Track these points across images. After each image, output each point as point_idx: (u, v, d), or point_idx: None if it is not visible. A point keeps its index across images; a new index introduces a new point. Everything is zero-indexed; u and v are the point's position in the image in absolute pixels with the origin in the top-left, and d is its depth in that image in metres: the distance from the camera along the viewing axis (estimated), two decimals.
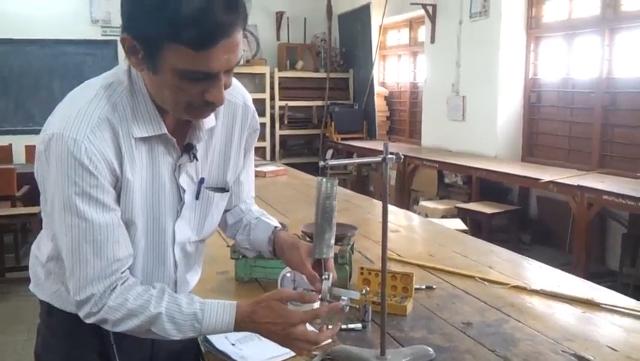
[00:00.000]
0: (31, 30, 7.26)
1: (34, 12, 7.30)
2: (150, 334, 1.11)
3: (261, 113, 7.92)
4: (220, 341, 1.28)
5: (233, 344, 1.27)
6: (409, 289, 1.58)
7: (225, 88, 1.07)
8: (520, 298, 1.66)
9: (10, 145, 6.61)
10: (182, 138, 1.18)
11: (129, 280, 1.11)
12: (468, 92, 5.92)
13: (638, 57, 4.40)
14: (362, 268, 1.64)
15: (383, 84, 8.05)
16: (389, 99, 7.94)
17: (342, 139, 7.73)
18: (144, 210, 1.16)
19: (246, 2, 1.03)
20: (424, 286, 1.72)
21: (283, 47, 8.25)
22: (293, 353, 1.26)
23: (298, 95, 8.13)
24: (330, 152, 8.03)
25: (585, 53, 4.90)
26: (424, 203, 5.49)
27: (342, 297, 1.20)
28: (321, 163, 1.13)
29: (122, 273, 1.11)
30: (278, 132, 8.08)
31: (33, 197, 5.02)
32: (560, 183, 4.15)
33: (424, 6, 6.28)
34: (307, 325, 1.16)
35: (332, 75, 8.20)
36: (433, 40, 6.39)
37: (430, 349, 1.29)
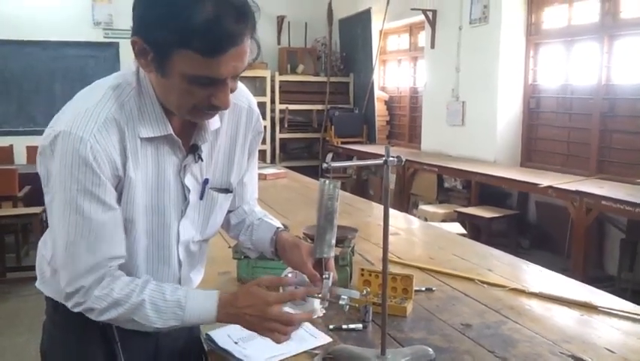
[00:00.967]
0: (33, 32, 7.29)
1: (36, 14, 7.33)
2: (133, 323, 1.13)
3: (262, 117, 7.93)
4: (223, 340, 1.29)
5: (236, 343, 1.29)
6: (409, 291, 1.60)
7: (231, 92, 1.10)
8: (519, 301, 1.68)
9: (12, 146, 6.63)
10: (187, 139, 1.20)
11: (116, 273, 1.14)
12: (467, 98, 5.95)
13: (637, 64, 4.43)
14: (362, 270, 1.66)
15: (383, 89, 8.09)
16: (389, 104, 7.98)
17: (342, 143, 7.76)
18: (148, 210, 1.18)
19: (255, 12, 1.05)
20: (423, 288, 1.74)
21: (284, 50, 8.28)
22: (295, 352, 1.28)
23: (298, 98, 8.17)
24: (330, 155, 8.05)
25: (584, 59, 4.93)
26: (423, 207, 5.51)
27: (342, 296, 1.22)
28: (324, 165, 1.16)
29: (110, 267, 1.13)
30: (278, 136, 8.11)
31: (34, 197, 5.06)
32: (558, 189, 4.17)
33: (424, 11, 6.31)
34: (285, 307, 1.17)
35: (332, 79, 8.23)
36: (433, 46, 6.42)
37: (430, 349, 1.31)
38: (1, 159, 6.26)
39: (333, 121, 7.92)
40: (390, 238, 2.45)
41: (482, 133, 5.71)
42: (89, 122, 1.07)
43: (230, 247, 2.12)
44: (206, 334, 1.33)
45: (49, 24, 7.36)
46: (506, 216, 4.93)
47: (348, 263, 1.69)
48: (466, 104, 5.97)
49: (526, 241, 5.18)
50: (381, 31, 7.53)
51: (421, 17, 6.47)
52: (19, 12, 7.28)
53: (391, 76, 8.05)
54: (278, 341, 1.15)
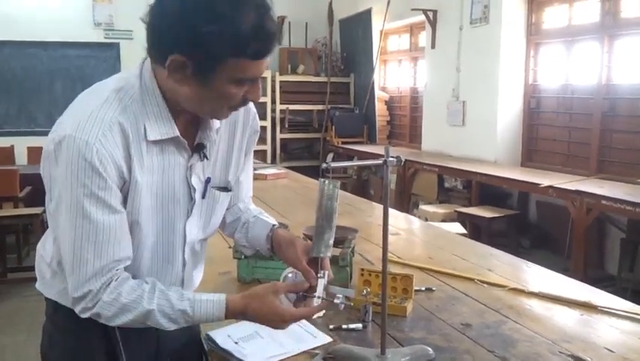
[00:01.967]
0: (33, 32, 7.30)
1: (37, 14, 7.34)
2: (144, 325, 1.15)
3: (262, 117, 7.96)
4: (223, 340, 1.30)
5: (236, 343, 1.29)
6: (408, 291, 1.60)
7: None
8: (518, 301, 1.68)
9: (13, 147, 6.63)
10: (191, 139, 1.21)
11: (123, 275, 1.14)
12: (468, 98, 5.96)
13: (637, 64, 4.43)
14: (362, 270, 1.66)
15: (384, 89, 8.09)
16: (389, 104, 7.98)
17: (343, 143, 7.76)
18: (155, 211, 1.19)
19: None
20: (423, 288, 1.74)
21: (284, 51, 8.28)
22: (295, 352, 1.28)
23: (299, 99, 8.18)
24: (330, 155, 8.05)
25: (584, 59, 4.93)
26: (423, 207, 5.51)
27: (338, 295, 1.22)
28: (324, 165, 1.16)
29: (117, 270, 1.13)
30: (279, 136, 8.11)
31: (35, 198, 5.07)
32: (559, 188, 4.17)
33: (425, 12, 6.31)
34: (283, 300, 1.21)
35: (333, 79, 8.24)
36: (433, 46, 6.43)
37: (430, 349, 1.31)
38: (2, 160, 6.26)
39: (334, 121, 7.92)
40: (391, 238, 2.45)
41: (483, 133, 5.71)
42: (93, 126, 1.07)
43: (230, 247, 2.12)
44: (207, 334, 1.33)
45: (49, 25, 7.37)
46: (507, 216, 4.93)
47: (348, 264, 1.70)
48: (466, 104, 5.97)
49: (527, 241, 5.18)
50: (381, 32, 7.54)
51: (422, 17, 6.47)
52: (19, 13, 7.29)
53: (392, 76, 8.06)
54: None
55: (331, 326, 1.44)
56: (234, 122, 1.31)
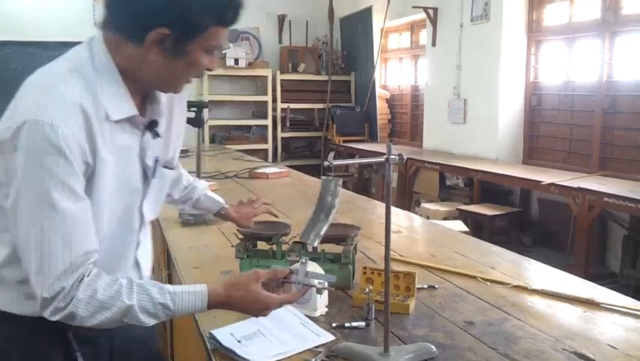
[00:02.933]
0: (33, 32, 7.29)
1: (36, 14, 7.34)
2: (120, 324, 1.11)
3: (263, 116, 7.96)
4: (226, 338, 1.30)
5: (239, 341, 1.29)
6: (411, 289, 1.60)
7: None
8: (521, 298, 1.68)
9: None
10: (143, 118, 1.22)
11: (93, 270, 1.09)
12: (469, 95, 5.95)
13: (638, 60, 4.42)
14: (365, 268, 1.66)
15: (384, 87, 8.09)
16: (390, 102, 7.98)
17: (344, 141, 7.76)
18: (116, 194, 1.16)
19: None
20: (426, 286, 1.74)
21: (285, 49, 8.28)
22: (299, 350, 1.28)
23: (300, 97, 8.17)
24: (331, 154, 8.00)
25: (586, 56, 4.93)
26: (425, 205, 5.51)
27: (319, 281, 1.24)
28: (326, 163, 1.16)
29: (88, 264, 1.08)
30: (280, 135, 8.10)
31: None
32: (561, 186, 4.17)
33: (426, 9, 6.31)
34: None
35: (333, 78, 8.23)
36: (434, 44, 6.42)
37: (433, 346, 1.31)
38: None
39: (335, 120, 7.92)
40: (392, 236, 2.44)
41: (484, 131, 5.71)
42: (55, 108, 1.03)
43: (232, 245, 2.13)
44: (209, 332, 1.33)
45: (49, 24, 7.36)
46: (508, 214, 4.93)
47: (350, 261, 1.70)
48: (467, 102, 5.97)
49: (529, 239, 5.18)
50: (382, 30, 7.53)
51: (422, 15, 6.46)
52: (19, 12, 7.29)
53: (393, 74, 8.05)
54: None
55: (334, 324, 1.44)
56: (171, 102, 1.32)
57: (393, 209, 3.24)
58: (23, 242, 1.06)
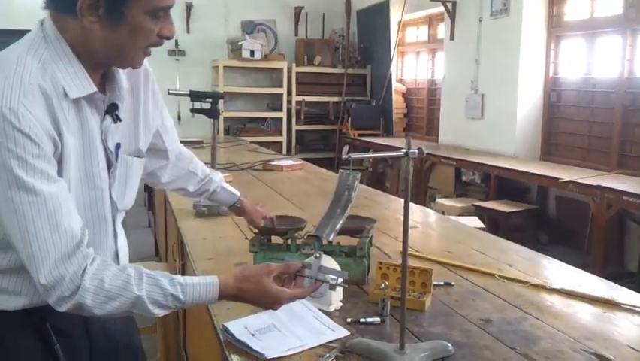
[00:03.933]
0: (23, 20, 7.20)
1: (27, 1, 7.22)
2: (129, 313, 1.11)
3: (278, 108, 7.95)
4: (240, 331, 1.28)
5: (253, 334, 1.28)
6: (427, 285, 1.58)
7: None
8: (539, 297, 1.65)
9: None
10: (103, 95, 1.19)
11: (97, 259, 1.08)
12: (487, 90, 5.89)
13: None
14: (380, 263, 1.64)
15: (401, 81, 8.03)
16: (407, 96, 7.92)
17: (359, 135, 7.72)
18: (84, 179, 1.14)
19: None
20: (442, 283, 1.71)
21: (301, 42, 8.25)
22: (313, 345, 1.27)
23: (315, 90, 8.14)
24: (346, 148, 7.96)
25: (606, 52, 4.85)
26: (440, 200, 5.47)
27: (332, 276, 1.22)
28: (344, 156, 1.14)
29: (87, 249, 1.06)
30: (294, 127, 8.08)
31: None
32: (579, 183, 4.11)
33: (444, 3, 6.24)
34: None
35: (349, 71, 8.19)
36: (452, 37, 6.36)
37: (449, 344, 1.28)
38: None
39: (350, 113, 7.88)
40: (409, 232, 2.43)
41: (501, 126, 5.65)
42: (13, 90, 1.00)
43: (246, 238, 2.12)
44: (223, 325, 1.32)
45: (40, 13, 7.29)
46: (525, 211, 4.87)
47: (365, 254, 1.67)
48: (485, 97, 5.90)
49: (545, 236, 5.12)
50: (399, 23, 7.47)
51: (441, 8, 6.40)
52: (22, 2, 7.18)
53: (409, 68, 7.99)
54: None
55: (349, 320, 1.42)
56: (136, 85, 1.29)
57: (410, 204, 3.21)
58: (10, 233, 1.04)
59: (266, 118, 7.97)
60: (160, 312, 1.11)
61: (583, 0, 5.07)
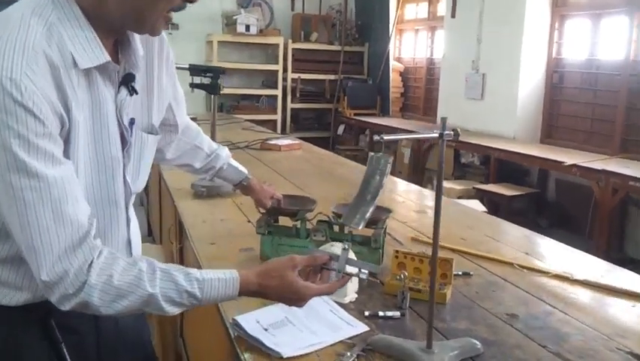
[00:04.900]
0: None
1: None
2: (138, 312, 1.01)
3: (273, 85, 7.78)
4: (252, 326, 1.18)
5: (265, 329, 1.18)
6: (447, 276, 1.48)
7: None
8: (562, 288, 1.56)
9: None
10: (117, 65, 1.06)
11: (104, 252, 0.96)
12: (488, 70, 5.77)
13: None
14: (397, 252, 1.54)
15: (399, 59, 7.88)
16: (404, 75, 7.78)
17: (355, 115, 7.59)
18: (93, 160, 1.02)
19: None
20: (460, 273, 1.62)
21: (298, 17, 8.05)
22: (331, 342, 1.17)
23: (311, 67, 7.97)
24: (341, 127, 7.90)
25: (612, 34, 4.74)
26: None
27: (363, 270, 1.13)
28: (376, 138, 1.04)
29: (94, 240, 0.95)
30: (289, 105, 7.93)
31: None
32: (583, 167, 4.04)
33: None
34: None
35: (346, 49, 8.02)
36: (453, 15, 6.21)
37: (477, 343, 1.19)
38: None
39: (346, 92, 7.74)
40: (416, 216, 2.33)
41: (502, 107, 5.55)
42: (14, 56, 0.87)
43: (249, 221, 2.01)
44: (233, 319, 1.22)
45: None
46: (526, 195, 4.80)
47: (380, 246, 1.57)
48: (486, 77, 5.79)
49: (545, 220, 5.06)
50: None
51: None
52: None
53: (408, 46, 7.85)
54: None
55: (367, 313, 1.32)
56: (151, 54, 1.16)
57: (412, 186, 3.11)
58: (9, 221, 0.92)
59: (260, 95, 7.81)
60: (174, 310, 1.00)
61: None
